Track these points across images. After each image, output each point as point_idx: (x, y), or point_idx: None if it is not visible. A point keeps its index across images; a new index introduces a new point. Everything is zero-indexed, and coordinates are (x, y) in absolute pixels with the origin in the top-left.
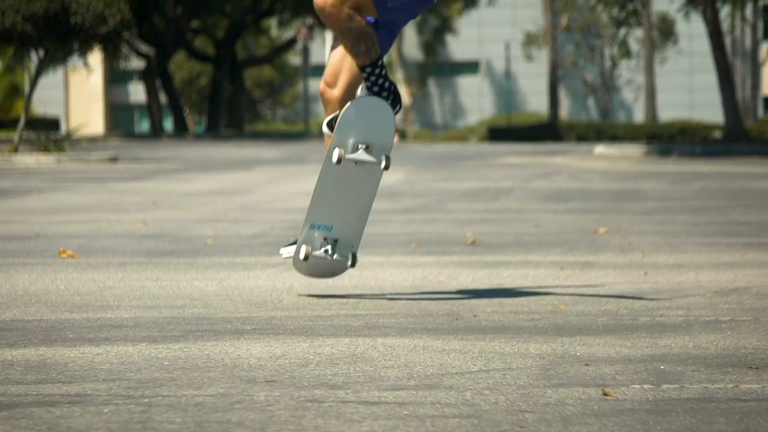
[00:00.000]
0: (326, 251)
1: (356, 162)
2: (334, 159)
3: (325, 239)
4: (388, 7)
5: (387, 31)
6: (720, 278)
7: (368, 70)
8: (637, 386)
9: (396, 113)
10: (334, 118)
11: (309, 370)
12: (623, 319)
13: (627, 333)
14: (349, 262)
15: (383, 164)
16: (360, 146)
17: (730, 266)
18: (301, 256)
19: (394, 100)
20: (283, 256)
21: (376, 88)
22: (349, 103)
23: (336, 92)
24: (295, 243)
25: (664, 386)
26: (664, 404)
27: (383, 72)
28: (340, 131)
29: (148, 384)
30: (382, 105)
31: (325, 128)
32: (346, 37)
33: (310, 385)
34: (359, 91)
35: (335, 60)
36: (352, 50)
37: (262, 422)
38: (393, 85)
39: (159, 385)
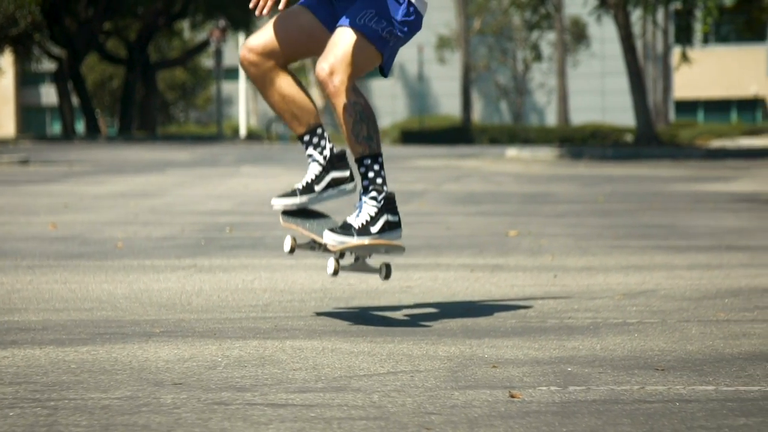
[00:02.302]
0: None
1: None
2: (330, 270)
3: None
4: (390, 46)
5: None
6: (629, 281)
7: (366, 162)
8: (544, 388)
9: (398, 234)
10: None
11: (217, 372)
12: (531, 322)
13: (535, 335)
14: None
15: (383, 274)
16: (359, 257)
17: (638, 269)
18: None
19: (393, 209)
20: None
21: (372, 188)
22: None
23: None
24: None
25: (571, 388)
26: (571, 406)
27: (383, 171)
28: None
29: (55, 387)
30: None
31: (286, 204)
32: (348, 112)
33: (218, 387)
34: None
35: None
36: (352, 132)
37: (168, 425)
38: (392, 194)
39: (66, 389)
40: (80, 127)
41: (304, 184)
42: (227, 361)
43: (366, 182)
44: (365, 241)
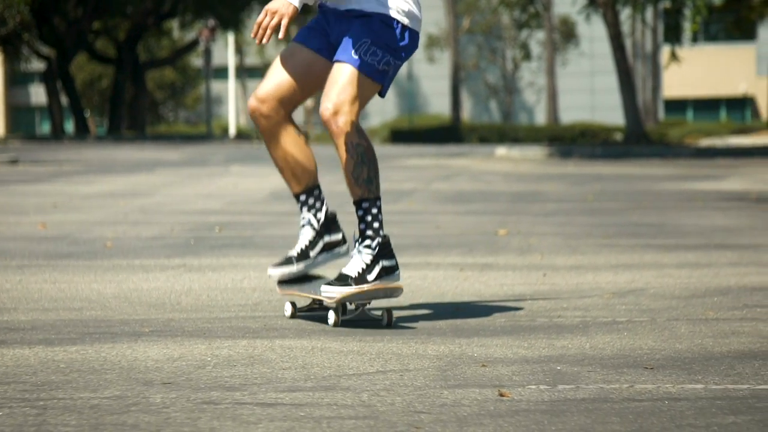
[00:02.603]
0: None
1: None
2: (330, 323)
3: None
4: (390, 76)
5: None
6: (618, 279)
7: (365, 206)
8: (533, 387)
9: (396, 277)
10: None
11: (206, 371)
12: (521, 320)
13: (524, 334)
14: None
15: (385, 320)
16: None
17: (628, 267)
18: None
19: (388, 254)
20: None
21: (370, 232)
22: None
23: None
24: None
25: (560, 387)
26: (560, 404)
27: (380, 215)
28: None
29: (44, 387)
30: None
31: (287, 272)
32: (349, 154)
33: (207, 386)
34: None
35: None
36: (352, 174)
37: (157, 424)
38: (387, 238)
39: (55, 388)
40: (69, 126)
41: (299, 251)
42: (216, 360)
43: (363, 225)
44: (363, 287)
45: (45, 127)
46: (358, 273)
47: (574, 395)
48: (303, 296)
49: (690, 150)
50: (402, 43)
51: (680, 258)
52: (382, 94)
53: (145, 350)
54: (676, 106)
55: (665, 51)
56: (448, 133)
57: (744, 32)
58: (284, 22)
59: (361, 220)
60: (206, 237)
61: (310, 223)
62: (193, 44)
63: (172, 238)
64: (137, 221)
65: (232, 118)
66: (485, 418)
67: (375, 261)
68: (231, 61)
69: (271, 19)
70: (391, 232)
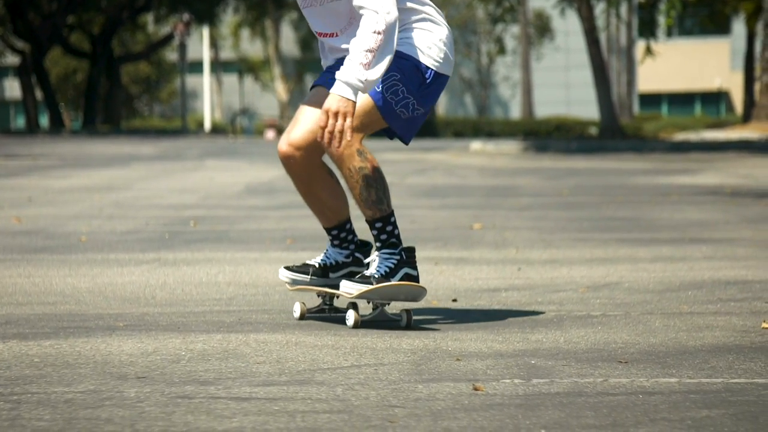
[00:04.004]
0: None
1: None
2: (350, 322)
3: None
4: (403, 120)
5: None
6: (592, 273)
7: (378, 225)
8: (508, 381)
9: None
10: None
11: (180, 366)
12: (495, 315)
13: (499, 328)
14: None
15: (404, 321)
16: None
17: (602, 262)
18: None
19: (413, 264)
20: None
21: (393, 240)
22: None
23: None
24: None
25: (534, 381)
26: (534, 398)
27: (396, 230)
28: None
29: (18, 381)
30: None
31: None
32: (354, 179)
33: (181, 381)
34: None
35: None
36: (360, 197)
37: (131, 418)
38: (413, 248)
39: (29, 383)
40: (44, 121)
41: (320, 265)
42: (191, 354)
43: (379, 244)
44: (384, 284)
45: (20, 122)
46: (381, 275)
47: (548, 389)
48: (315, 290)
49: (665, 144)
50: (429, 89)
51: (654, 252)
52: (406, 142)
53: (120, 344)
54: (651, 100)
55: (640, 45)
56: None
57: (719, 26)
58: (348, 123)
59: (377, 238)
60: (181, 231)
61: (339, 252)
62: (167, 38)
63: (146, 232)
64: (112, 215)
65: (207, 112)
66: (459, 412)
67: (399, 266)
68: (206, 56)
69: (335, 121)
70: (365, 227)
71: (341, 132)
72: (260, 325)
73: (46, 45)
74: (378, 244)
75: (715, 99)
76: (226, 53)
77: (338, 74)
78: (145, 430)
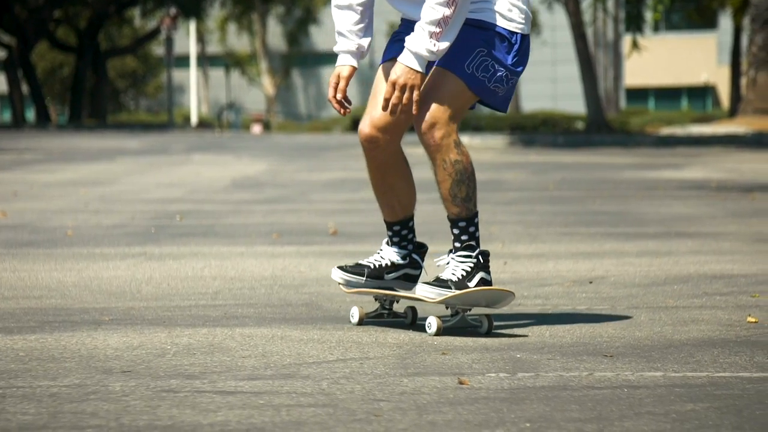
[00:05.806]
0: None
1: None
2: (433, 330)
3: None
4: (508, 93)
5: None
6: (578, 267)
7: (461, 225)
8: (493, 375)
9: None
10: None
11: (166, 360)
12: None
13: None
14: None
15: (485, 327)
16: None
17: (588, 256)
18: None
19: (487, 268)
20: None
21: (472, 243)
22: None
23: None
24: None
25: (520, 374)
26: (519, 392)
27: (478, 233)
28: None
29: (3, 375)
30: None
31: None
32: (447, 171)
33: (167, 375)
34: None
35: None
36: (449, 192)
37: (116, 412)
38: (488, 252)
39: (14, 377)
40: (30, 115)
41: (375, 266)
42: (176, 348)
43: (458, 244)
44: (466, 290)
45: (5, 116)
46: (458, 278)
47: (533, 383)
48: (377, 293)
49: (651, 138)
50: (518, 54)
51: (640, 246)
52: (504, 111)
53: (105, 339)
54: (638, 94)
55: (627, 40)
56: None
57: (705, 21)
58: (415, 95)
59: (457, 238)
60: (167, 225)
61: (397, 251)
62: (154, 32)
63: (132, 226)
64: (98, 210)
65: (194, 106)
66: (445, 406)
67: (475, 270)
68: (192, 50)
69: (402, 93)
70: (352, 221)
71: (407, 106)
72: (246, 319)
73: (33, 39)
74: (457, 245)
75: (702, 93)
76: (213, 47)
77: (407, 43)
78: (130, 424)
